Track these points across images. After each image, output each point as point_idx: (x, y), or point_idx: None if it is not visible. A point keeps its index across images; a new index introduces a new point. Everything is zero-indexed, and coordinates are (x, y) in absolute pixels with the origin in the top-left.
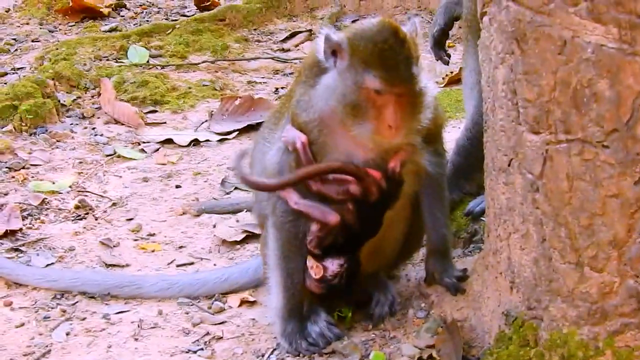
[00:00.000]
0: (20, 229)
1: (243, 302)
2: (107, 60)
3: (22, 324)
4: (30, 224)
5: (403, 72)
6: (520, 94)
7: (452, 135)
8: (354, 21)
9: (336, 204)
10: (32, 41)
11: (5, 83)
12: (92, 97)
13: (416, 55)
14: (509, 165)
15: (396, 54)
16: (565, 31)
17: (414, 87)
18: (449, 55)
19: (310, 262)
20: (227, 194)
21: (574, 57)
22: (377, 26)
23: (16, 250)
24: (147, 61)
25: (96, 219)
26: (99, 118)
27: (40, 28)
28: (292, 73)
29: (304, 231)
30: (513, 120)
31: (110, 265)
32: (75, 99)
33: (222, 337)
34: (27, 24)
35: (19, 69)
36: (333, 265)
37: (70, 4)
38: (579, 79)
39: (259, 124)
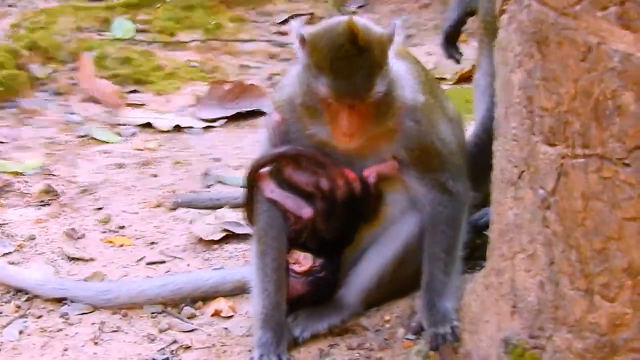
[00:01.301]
0: None
1: (217, 309)
2: (89, 32)
3: None
4: None
5: (356, 84)
6: (537, 101)
7: None
8: (360, 7)
9: (308, 197)
10: (8, 6)
11: None
12: (70, 71)
13: (380, 64)
14: (519, 178)
15: (350, 63)
16: (591, 36)
17: (370, 98)
18: (460, 54)
19: (295, 254)
20: (208, 187)
21: (598, 66)
22: (338, 29)
23: None
24: (133, 36)
25: (62, 206)
26: (75, 95)
27: None
28: (289, 59)
29: (280, 225)
30: (527, 129)
31: (73, 258)
32: (50, 73)
33: (190, 347)
34: None
35: None
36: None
37: None
38: (602, 89)
39: (249, 113)
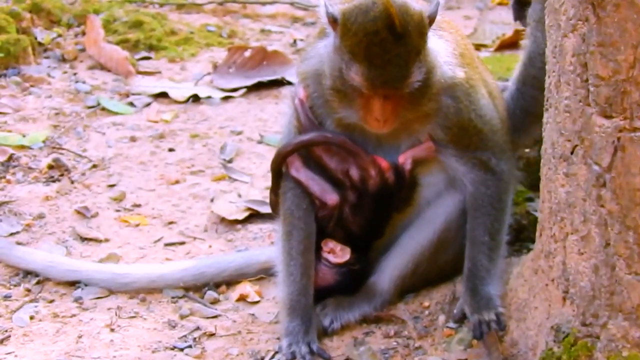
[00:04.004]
0: None
1: (242, 294)
2: None
3: None
4: None
5: (392, 73)
6: (592, 69)
7: None
8: None
9: (336, 182)
10: None
11: None
12: (76, 36)
13: (418, 49)
14: (572, 152)
15: (386, 51)
16: None
17: (407, 88)
18: None
19: (332, 243)
20: (229, 162)
21: None
22: (374, 10)
23: None
24: None
25: (72, 183)
26: (81, 62)
27: None
28: (314, 23)
29: (308, 205)
30: (581, 100)
31: (86, 239)
32: (55, 38)
33: (214, 334)
34: None
35: None
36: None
37: None
38: None
39: (271, 82)
